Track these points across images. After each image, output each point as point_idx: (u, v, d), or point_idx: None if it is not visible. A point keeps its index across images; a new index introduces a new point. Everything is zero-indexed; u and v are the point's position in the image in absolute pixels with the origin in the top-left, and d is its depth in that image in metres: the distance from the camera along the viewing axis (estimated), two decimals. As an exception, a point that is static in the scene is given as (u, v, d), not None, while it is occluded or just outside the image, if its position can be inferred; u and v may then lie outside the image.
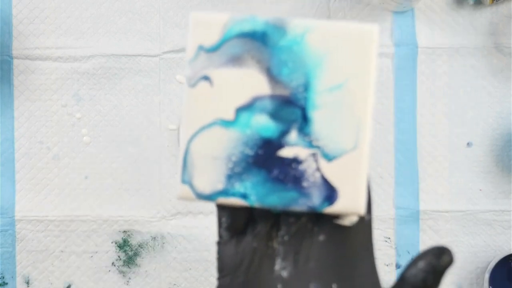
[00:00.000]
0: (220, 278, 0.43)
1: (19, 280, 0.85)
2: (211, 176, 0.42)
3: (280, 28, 0.42)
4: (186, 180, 0.43)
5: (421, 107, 0.84)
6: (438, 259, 0.42)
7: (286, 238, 0.43)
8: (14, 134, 0.85)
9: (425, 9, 0.85)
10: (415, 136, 0.84)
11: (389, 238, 0.84)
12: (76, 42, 0.85)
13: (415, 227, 0.84)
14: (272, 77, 0.42)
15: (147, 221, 0.84)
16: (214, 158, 0.42)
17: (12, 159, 0.85)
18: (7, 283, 0.84)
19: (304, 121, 0.42)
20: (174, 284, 0.85)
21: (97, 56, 0.85)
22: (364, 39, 0.42)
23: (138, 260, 0.85)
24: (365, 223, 0.43)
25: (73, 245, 0.85)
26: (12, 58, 0.85)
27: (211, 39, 0.42)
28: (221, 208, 0.44)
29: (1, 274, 0.84)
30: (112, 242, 0.85)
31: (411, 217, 0.84)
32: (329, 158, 0.42)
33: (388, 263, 0.84)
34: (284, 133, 0.42)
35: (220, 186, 0.42)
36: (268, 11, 0.85)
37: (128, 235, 0.84)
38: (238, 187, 0.42)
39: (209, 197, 0.42)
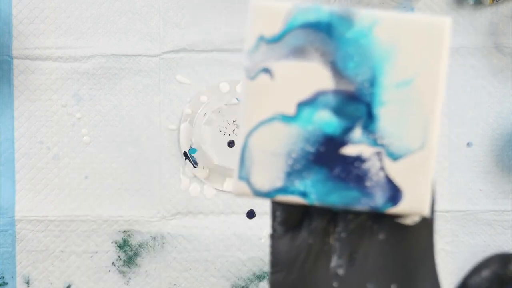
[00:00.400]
0: (273, 274, 0.42)
1: (19, 280, 0.84)
2: (269, 172, 0.41)
3: (346, 19, 0.40)
4: (244, 176, 0.41)
5: (421, 107, 0.84)
6: (504, 268, 0.40)
7: (343, 234, 0.41)
8: (14, 134, 0.85)
9: (425, 9, 0.85)
10: (415, 136, 0.84)
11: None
12: (76, 42, 0.85)
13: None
14: (337, 71, 0.40)
15: (147, 221, 0.84)
16: (274, 154, 0.41)
17: (12, 159, 0.85)
18: (7, 283, 0.84)
19: (369, 118, 0.40)
20: (174, 284, 0.85)
21: (97, 56, 0.85)
22: (436, 33, 0.40)
23: (138, 260, 0.85)
24: (427, 223, 0.41)
25: (73, 245, 0.85)
26: (12, 58, 0.85)
27: (273, 29, 0.40)
28: (276, 201, 0.42)
29: (1, 274, 0.84)
30: (112, 242, 0.85)
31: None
32: (394, 157, 0.40)
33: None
34: (348, 130, 0.40)
35: (279, 183, 0.41)
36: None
37: (128, 235, 0.84)
38: (298, 184, 0.40)
39: (267, 194, 0.41)
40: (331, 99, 0.40)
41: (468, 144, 0.85)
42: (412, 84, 0.40)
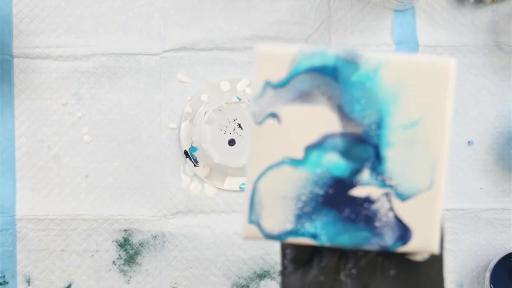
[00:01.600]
0: None
1: (19, 279, 0.84)
2: (279, 216, 0.41)
3: (352, 63, 0.40)
4: (254, 220, 0.41)
5: (422, 106, 0.84)
6: None
7: (354, 271, 0.42)
8: (15, 133, 0.85)
9: (426, 7, 0.84)
10: (416, 134, 0.84)
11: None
12: (76, 41, 0.85)
13: (416, 225, 0.84)
14: (344, 114, 0.40)
15: (147, 220, 0.84)
16: (283, 198, 0.41)
17: (13, 158, 0.85)
18: (7, 282, 0.84)
19: (377, 160, 0.40)
20: (175, 283, 0.85)
21: (98, 55, 0.85)
22: (441, 74, 0.40)
23: (139, 259, 0.84)
24: (437, 258, 0.41)
25: (74, 244, 0.85)
26: (12, 57, 0.85)
27: (279, 74, 0.41)
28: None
29: (2, 273, 0.84)
30: (113, 241, 0.85)
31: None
32: (403, 197, 0.40)
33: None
34: (356, 172, 0.41)
35: (289, 226, 0.41)
36: (269, 9, 0.85)
37: (129, 234, 0.84)
38: (308, 227, 0.41)
39: (278, 237, 0.41)
40: (339, 142, 0.40)
41: (469, 142, 0.85)
42: (419, 125, 0.40)
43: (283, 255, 0.43)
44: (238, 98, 0.82)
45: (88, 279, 0.85)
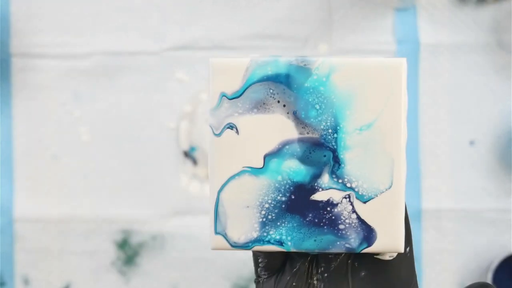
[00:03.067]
0: None
1: (17, 280, 0.84)
2: (245, 225, 0.42)
3: (304, 69, 0.41)
4: (220, 230, 0.42)
5: (423, 105, 0.84)
6: None
7: (326, 275, 0.43)
8: (13, 133, 0.85)
9: (427, 6, 0.84)
10: (417, 134, 0.84)
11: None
12: (75, 40, 0.85)
13: (417, 226, 0.83)
14: (300, 120, 0.41)
15: (146, 221, 0.84)
16: (247, 207, 0.42)
17: (11, 158, 0.84)
18: (5, 283, 0.84)
19: (335, 163, 0.41)
20: (174, 284, 0.84)
21: (96, 54, 0.85)
22: (392, 75, 0.41)
23: (138, 259, 0.84)
24: (406, 255, 0.42)
25: (72, 245, 0.84)
26: (10, 56, 0.85)
27: (233, 85, 0.42)
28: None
29: (0, 274, 0.84)
30: (111, 242, 0.84)
31: (413, 216, 0.83)
32: (364, 199, 0.41)
33: (390, 262, 0.83)
34: (316, 176, 0.41)
35: (255, 234, 0.42)
36: (269, 7, 0.84)
37: (128, 234, 0.84)
38: (273, 233, 0.42)
39: (244, 246, 0.42)
40: (297, 148, 0.41)
41: (470, 142, 0.84)
42: (374, 126, 0.41)
43: (256, 264, 0.44)
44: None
45: (87, 280, 0.84)
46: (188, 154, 0.84)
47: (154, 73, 0.85)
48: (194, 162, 0.84)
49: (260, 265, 0.43)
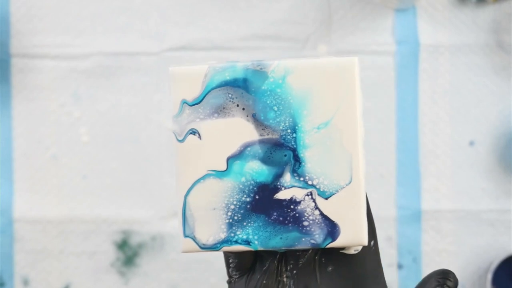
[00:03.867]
0: None
1: (17, 281, 0.84)
2: (212, 226, 0.43)
3: (260, 73, 0.42)
4: (188, 234, 0.43)
5: (423, 106, 0.84)
6: (442, 285, 0.42)
7: (295, 271, 0.44)
8: (12, 134, 0.85)
9: (427, 6, 0.84)
10: (417, 135, 0.84)
11: (390, 238, 0.83)
12: (74, 41, 0.85)
13: (417, 227, 0.83)
14: (259, 122, 0.42)
15: (146, 221, 0.84)
16: (213, 209, 0.43)
17: (10, 159, 0.84)
18: (5, 284, 0.84)
19: (296, 162, 0.42)
20: (174, 285, 0.84)
21: (96, 54, 0.85)
22: (345, 73, 0.42)
23: (137, 260, 0.84)
24: (371, 249, 0.43)
25: (72, 245, 0.84)
26: (10, 56, 0.85)
27: (193, 92, 0.43)
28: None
29: (-1, 274, 0.84)
30: (111, 243, 0.84)
31: (413, 217, 0.83)
32: (326, 196, 0.42)
33: (389, 263, 0.83)
34: (278, 176, 0.42)
35: (222, 235, 0.43)
36: (268, 8, 0.84)
37: (127, 235, 0.84)
38: (240, 233, 0.43)
39: (213, 248, 0.43)
40: (258, 150, 0.42)
41: (470, 143, 0.84)
42: (331, 124, 0.42)
43: (227, 265, 0.45)
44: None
45: (86, 281, 0.84)
46: (188, 155, 0.84)
47: (153, 73, 0.85)
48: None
49: (231, 265, 0.45)
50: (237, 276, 0.45)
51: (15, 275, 0.84)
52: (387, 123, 0.84)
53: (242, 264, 0.45)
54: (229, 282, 0.45)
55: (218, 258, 0.84)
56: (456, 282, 0.42)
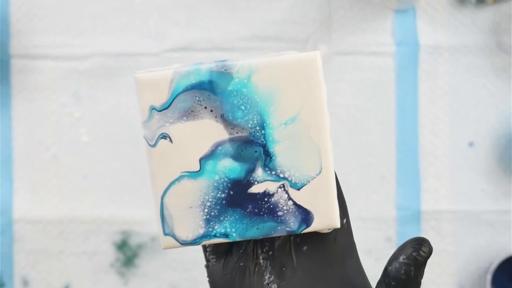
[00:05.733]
0: None
1: (17, 281, 0.84)
2: (190, 224, 0.44)
3: (225, 74, 0.43)
4: (168, 232, 0.45)
5: (423, 107, 0.84)
6: (418, 251, 0.43)
7: (271, 253, 0.45)
8: (12, 134, 0.85)
9: (427, 7, 0.84)
10: (417, 135, 0.84)
11: (390, 238, 0.83)
12: (74, 41, 0.85)
13: (416, 227, 0.83)
14: (228, 122, 0.44)
15: (146, 222, 0.84)
16: (190, 207, 0.44)
17: (10, 159, 0.84)
18: (5, 284, 0.84)
19: (267, 157, 0.44)
20: (173, 285, 0.84)
21: (96, 55, 0.84)
22: (308, 68, 0.43)
23: (137, 261, 0.84)
24: (343, 226, 0.45)
25: (72, 246, 0.84)
26: (10, 57, 0.85)
27: (161, 98, 0.44)
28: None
29: (-1, 274, 0.84)
30: (111, 243, 0.84)
31: (412, 218, 0.83)
32: (297, 187, 0.44)
33: (389, 263, 0.83)
34: (251, 171, 0.44)
35: (201, 230, 0.44)
36: (268, 8, 0.84)
37: (127, 235, 0.84)
38: (218, 228, 0.44)
39: (193, 243, 0.45)
40: (229, 148, 0.44)
41: (470, 143, 0.84)
42: (298, 119, 0.44)
43: (204, 250, 0.47)
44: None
45: (86, 281, 0.84)
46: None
47: (153, 74, 0.84)
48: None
49: (208, 249, 0.46)
50: (215, 259, 0.46)
51: (15, 275, 0.84)
52: (387, 124, 0.84)
53: (218, 248, 0.46)
54: (207, 266, 0.46)
55: (218, 259, 0.84)
56: (430, 249, 0.43)
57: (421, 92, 0.84)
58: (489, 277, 0.80)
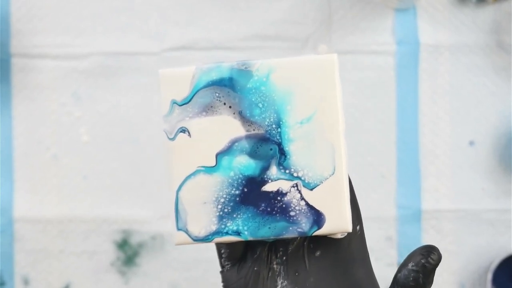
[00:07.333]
0: None
1: (17, 280, 0.84)
2: (203, 219, 0.45)
3: (245, 72, 0.45)
4: (181, 227, 0.45)
5: (423, 106, 0.84)
6: (427, 258, 0.43)
7: (284, 258, 0.46)
8: (13, 133, 0.85)
9: (427, 6, 0.84)
10: (417, 135, 0.84)
11: (391, 238, 0.83)
12: (74, 40, 0.85)
13: (417, 226, 0.83)
14: (246, 119, 0.45)
15: (146, 221, 0.84)
16: (204, 203, 0.45)
17: (11, 158, 0.84)
18: (5, 284, 0.84)
19: (282, 155, 0.45)
20: (174, 284, 0.84)
21: (96, 54, 0.84)
22: (325, 69, 0.44)
23: (138, 260, 0.84)
24: (356, 233, 0.45)
25: (72, 245, 0.84)
26: (10, 56, 0.85)
27: (182, 92, 0.46)
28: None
29: (0, 274, 0.84)
30: (111, 242, 0.84)
31: (413, 217, 0.83)
32: (310, 187, 0.44)
33: (390, 263, 0.83)
34: (265, 169, 0.45)
35: (213, 227, 0.45)
36: (268, 8, 0.84)
37: (128, 235, 0.84)
38: (231, 225, 0.45)
39: (205, 239, 0.45)
40: (245, 145, 0.45)
41: (470, 143, 0.84)
42: (314, 118, 0.45)
43: (219, 255, 0.47)
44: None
45: (86, 281, 0.84)
46: (188, 155, 0.84)
47: (154, 73, 0.84)
48: (194, 162, 0.84)
49: (223, 255, 0.47)
50: (229, 265, 0.46)
51: (15, 275, 0.84)
52: (387, 123, 0.84)
53: (233, 254, 0.46)
54: (221, 272, 0.47)
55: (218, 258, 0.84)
56: (439, 256, 0.43)
57: (422, 91, 0.84)
58: (489, 276, 0.80)
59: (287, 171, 0.44)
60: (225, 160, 0.45)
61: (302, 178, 0.44)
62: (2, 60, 0.84)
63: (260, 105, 0.45)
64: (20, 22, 0.85)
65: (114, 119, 0.85)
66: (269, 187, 0.44)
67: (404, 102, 0.84)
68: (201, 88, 0.45)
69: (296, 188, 0.44)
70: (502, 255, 0.80)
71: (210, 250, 0.84)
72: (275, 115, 0.45)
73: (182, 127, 0.45)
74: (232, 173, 0.45)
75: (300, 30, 0.84)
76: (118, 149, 0.85)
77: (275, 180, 0.44)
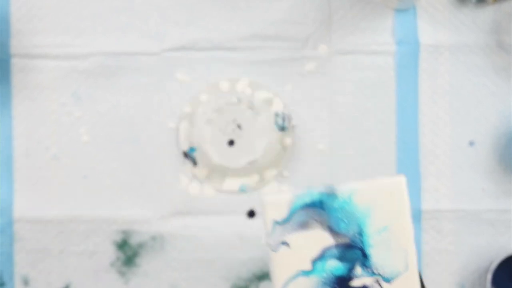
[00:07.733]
0: None
1: (17, 281, 0.84)
2: None
3: (332, 195, 0.57)
4: None
5: (423, 106, 0.84)
6: None
7: None
8: (13, 133, 0.85)
9: (427, 6, 0.84)
10: (417, 135, 0.84)
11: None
12: (74, 40, 0.85)
13: (417, 226, 0.83)
14: (334, 231, 0.56)
15: (146, 221, 0.84)
16: None
17: (11, 158, 0.84)
18: (5, 284, 0.84)
19: (364, 258, 0.56)
20: (174, 284, 0.84)
21: (96, 54, 0.85)
22: (396, 190, 0.56)
23: (138, 260, 0.84)
24: None
25: (72, 245, 0.84)
26: (10, 56, 0.85)
27: (282, 214, 0.57)
28: None
29: (-1, 274, 0.84)
30: (111, 242, 0.84)
31: (413, 217, 0.83)
32: (388, 280, 0.56)
33: (389, 263, 0.83)
34: (351, 269, 0.56)
35: None
36: (268, 8, 0.84)
37: (127, 235, 0.84)
38: None
39: None
40: (335, 251, 0.56)
41: (470, 143, 0.84)
42: (389, 228, 0.56)
43: None
44: (237, 99, 0.82)
45: (86, 281, 0.84)
46: (188, 155, 0.84)
47: (154, 73, 0.85)
48: (194, 162, 0.84)
49: None
50: None
51: (15, 275, 0.84)
52: (387, 123, 0.84)
53: None
54: None
55: (218, 258, 0.84)
56: None
57: (422, 91, 0.84)
58: (489, 276, 0.80)
59: (369, 270, 0.56)
60: (319, 265, 0.56)
61: (381, 274, 0.56)
62: (2, 60, 0.84)
63: (345, 220, 0.56)
64: (20, 22, 0.85)
65: (114, 119, 0.85)
66: (355, 283, 0.56)
67: (404, 102, 0.84)
68: (297, 210, 0.56)
69: (377, 282, 0.56)
70: (502, 255, 0.80)
71: (210, 250, 0.84)
72: (357, 227, 0.56)
73: (283, 241, 0.56)
74: (325, 274, 0.56)
75: (300, 30, 0.84)
76: (118, 149, 0.85)
77: (360, 277, 0.56)
